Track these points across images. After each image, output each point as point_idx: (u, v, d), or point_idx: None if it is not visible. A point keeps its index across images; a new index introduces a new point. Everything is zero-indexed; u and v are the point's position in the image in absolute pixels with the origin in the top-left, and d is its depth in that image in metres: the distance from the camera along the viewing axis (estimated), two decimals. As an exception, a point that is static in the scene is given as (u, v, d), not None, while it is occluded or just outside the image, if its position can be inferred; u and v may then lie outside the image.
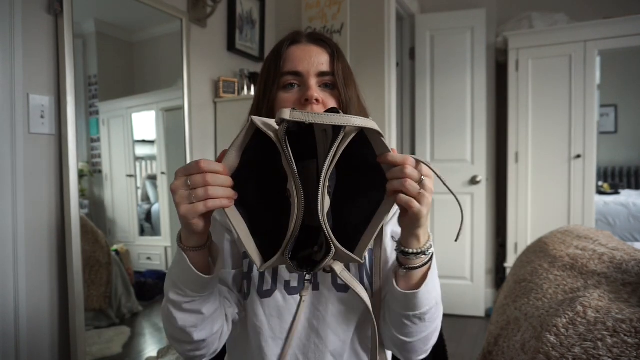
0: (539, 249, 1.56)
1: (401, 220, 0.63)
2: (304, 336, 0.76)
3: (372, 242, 0.60)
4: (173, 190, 0.57)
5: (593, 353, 0.87)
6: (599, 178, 4.57)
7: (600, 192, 4.23)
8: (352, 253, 0.59)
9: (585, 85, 2.87)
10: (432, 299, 0.68)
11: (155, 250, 2.02)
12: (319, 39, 0.81)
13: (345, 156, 0.56)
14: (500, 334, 1.21)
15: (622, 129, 5.13)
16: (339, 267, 0.63)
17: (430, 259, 0.66)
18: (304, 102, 0.75)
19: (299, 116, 0.52)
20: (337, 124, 0.53)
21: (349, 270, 0.73)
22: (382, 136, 0.57)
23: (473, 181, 3.05)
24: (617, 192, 4.30)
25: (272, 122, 0.56)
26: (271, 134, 0.55)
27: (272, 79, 0.79)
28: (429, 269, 0.66)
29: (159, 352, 1.82)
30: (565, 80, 2.92)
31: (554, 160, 2.96)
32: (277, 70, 0.78)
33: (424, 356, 0.75)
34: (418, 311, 0.67)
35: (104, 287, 1.72)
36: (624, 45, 2.83)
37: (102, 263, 1.72)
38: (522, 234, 3.05)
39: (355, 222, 0.61)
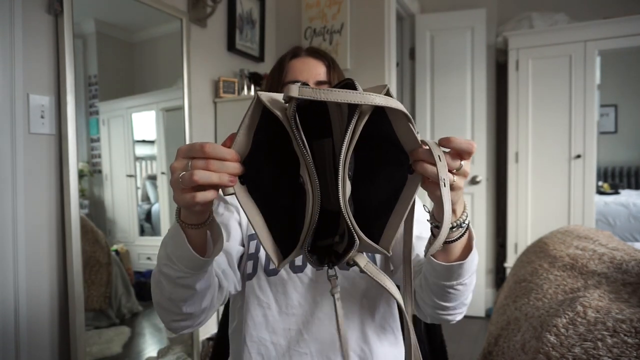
0: (539, 249, 1.56)
1: (433, 196, 0.58)
2: (308, 312, 0.81)
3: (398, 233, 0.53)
4: (172, 171, 0.53)
5: (593, 353, 0.87)
6: (599, 178, 4.56)
7: (600, 192, 4.22)
8: (374, 242, 0.53)
9: (585, 85, 2.87)
10: (474, 266, 0.67)
11: (155, 251, 2.00)
12: (317, 53, 0.93)
13: (362, 133, 0.49)
14: (500, 334, 1.21)
15: (622, 129, 5.12)
16: (362, 261, 0.55)
17: (467, 230, 0.63)
18: None
19: (309, 93, 0.46)
20: (354, 102, 0.46)
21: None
22: (409, 119, 0.50)
23: (473, 181, 3.05)
24: (617, 192, 4.30)
25: (280, 97, 0.49)
26: (279, 114, 0.48)
27: (274, 89, 0.89)
28: (468, 239, 0.64)
29: (159, 352, 1.82)
30: (565, 80, 2.92)
31: (554, 160, 2.96)
32: (279, 81, 0.90)
33: (464, 309, 0.75)
34: (462, 279, 0.67)
35: (104, 287, 1.72)
36: (624, 45, 2.83)
37: (102, 263, 1.72)
38: (522, 234, 3.04)
39: (375, 205, 0.55)
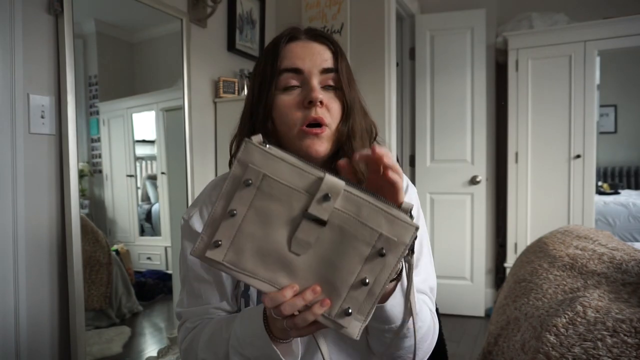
0: (539, 249, 1.56)
1: None
2: (306, 355, 0.73)
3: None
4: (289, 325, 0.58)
5: (593, 353, 0.87)
6: (598, 178, 4.57)
7: (600, 192, 4.22)
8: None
9: (585, 85, 2.87)
10: (398, 314, 0.63)
11: (156, 250, 2.02)
12: (320, 35, 0.75)
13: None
14: (500, 333, 1.21)
15: (621, 129, 5.12)
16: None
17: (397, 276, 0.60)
18: (307, 104, 0.69)
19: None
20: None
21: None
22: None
23: (473, 181, 3.05)
24: (617, 192, 4.30)
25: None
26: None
27: (268, 79, 0.71)
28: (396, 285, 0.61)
29: (159, 352, 1.82)
30: (565, 81, 2.92)
31: (553, 160, 2.96)
32: (274, 69, 0.71)
33: None
34: (392, 324, 0.63)
35: (104, 287, 1.72)
36: (623, 45, 2.84)
37: (102, 263, 1.72)
38: (522, 234, 3.05)
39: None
